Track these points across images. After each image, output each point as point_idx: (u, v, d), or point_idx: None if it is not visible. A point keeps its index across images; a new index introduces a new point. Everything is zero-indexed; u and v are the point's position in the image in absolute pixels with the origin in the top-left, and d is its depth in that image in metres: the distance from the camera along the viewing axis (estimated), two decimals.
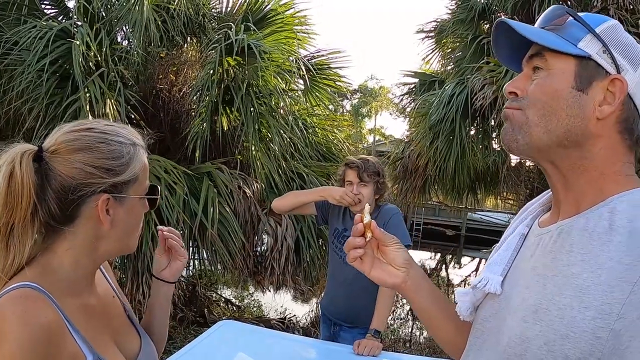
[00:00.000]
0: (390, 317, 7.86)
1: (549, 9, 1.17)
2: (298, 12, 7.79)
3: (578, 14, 1.13)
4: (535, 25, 1.19)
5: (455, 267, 25.19)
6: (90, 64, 5.61)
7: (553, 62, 1.10)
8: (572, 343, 0.93)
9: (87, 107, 5.38)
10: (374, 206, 3.52)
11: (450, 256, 27.62)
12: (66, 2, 7.27)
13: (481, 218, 28.30)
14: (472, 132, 9.32)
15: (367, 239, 1.30)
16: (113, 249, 1.34)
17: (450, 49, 10.77)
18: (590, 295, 0.93)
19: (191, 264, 6.98)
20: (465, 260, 26.73)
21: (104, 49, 5.73)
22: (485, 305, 1.25)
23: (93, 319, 1.30)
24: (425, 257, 25.98)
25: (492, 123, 8.13)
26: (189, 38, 7.46)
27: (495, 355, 1.12)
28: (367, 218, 1.30)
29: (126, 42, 6.95)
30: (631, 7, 7.23)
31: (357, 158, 3.47)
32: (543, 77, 1.11)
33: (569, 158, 1.10)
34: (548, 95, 1.10)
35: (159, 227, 1.66)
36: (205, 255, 6.31)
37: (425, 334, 8.93)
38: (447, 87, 8.79)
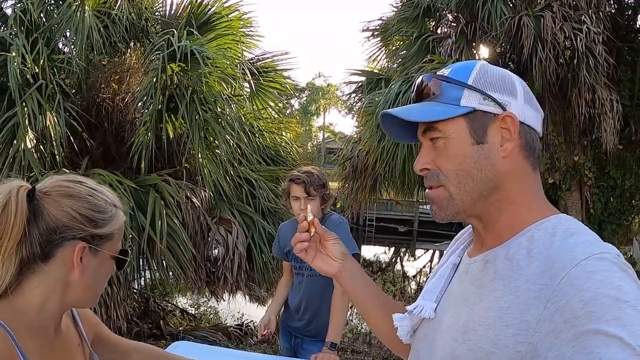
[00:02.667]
0: (349, 313, 7.82)
1: (420, 79, 1.24)
2: (242, 14, 7.72)
3: (447, 75, 1.20)
4: (413, 96, 1.27)
5: (409, 260, 25.45)
6: (28, 76, 5.44)
7: (446, 129, 1.17)
8: (496, 358, 1.01)
9: (26, 121, 5.23)
10: (321, 216, 3.52)
11: (404, 249, 27.90)
12: (5, 10, 7.04)
13: None
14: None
15: (312, 234, 1.50)
16: (79, 298, 1.40)
17: (395, 47, 10.79)
18: (510, 315, 1.02)
19: (142, 275, 6.84)
20: (419, 252, 27.04)
21: (42, 60, 5.57)
22: (421, 328, 1.35)
23: None
24: (379, 252, 26.18)
25: None
26: (132, 43, 7.32)
27: None
28: (310, 217, 1.51)
29: (67, 49, 6.78)
30: (574, 3, 7.34)
31: (301, 172, 3.44)
32: (444, 146, 1.18)
33: (488, 204, 1.18)
34: (456, 161, 1.16)
35: None
36: (156, 268, 6.19)
37: None
38: (393, 86, 8.79)
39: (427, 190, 1.24)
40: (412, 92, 1.27)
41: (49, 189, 1.34)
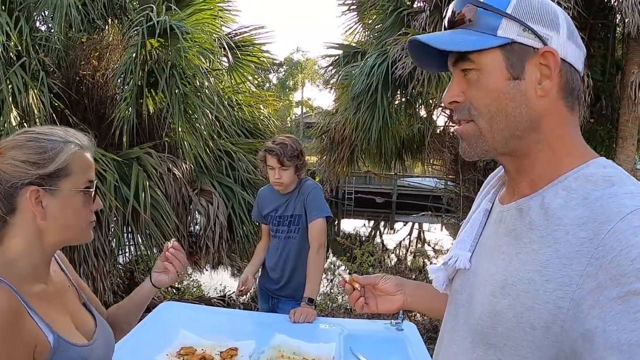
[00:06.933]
0: (329, 286, 7.97)
1: (454, 4, 1.15)
2: None
3: (482, 1, 1.10)
4: (444, 24, 1.18)
5: (389, 233, 25.59)
6: (11, 54, 5.52)
7: (480, 61, 1.09)
8: (537, 313, 0.98)
9: (10, 99, 5.31)
10: (297, 182, 3.72)
11: (384, 222, 28.06)
12: None
13: (409, 184, 28.73)
14: (396, 102, 9.50)
15: (359, 289, 1.59)
16: (58, 239, 1.48)
17: (371, 21, 10.86)
18: (550, 269, 0.97)
19: (127, 250, 6.98)
20: (398, 225, 27.21)
21: (24, 37, 5.64)
22: (457, 278, 1.32)
23: (51, 304, 1.46)
24: (359, 225, 26.35)
25: (413, 92, 8.32)
26: (110, 20, 7.33)
27: (469, 328, 1.19)
28: (347, 277, 1.61)
29: (45, 27, 6.82)
30: None
31: (275, 143, 3.60)
32: (477, 79, 1.11)
33: (523, 145, 1.12)
34: (490, 96, 1.10)
35: (168, 242, 1.95)
36: (140, 241, 6.34)
37: None
38: (368, 59, 8.92)
39: (455, 127, 1.17)
40: (444, 19, 1.18)
41: (1, 149, 1.42)
